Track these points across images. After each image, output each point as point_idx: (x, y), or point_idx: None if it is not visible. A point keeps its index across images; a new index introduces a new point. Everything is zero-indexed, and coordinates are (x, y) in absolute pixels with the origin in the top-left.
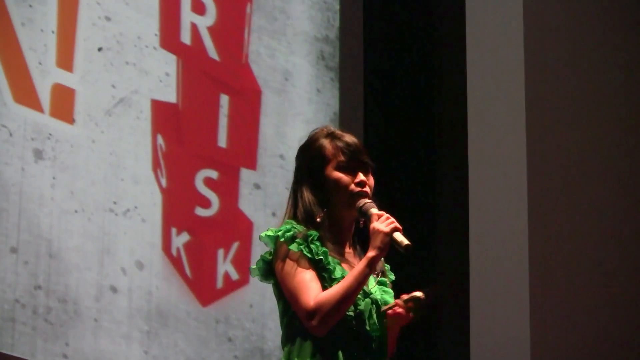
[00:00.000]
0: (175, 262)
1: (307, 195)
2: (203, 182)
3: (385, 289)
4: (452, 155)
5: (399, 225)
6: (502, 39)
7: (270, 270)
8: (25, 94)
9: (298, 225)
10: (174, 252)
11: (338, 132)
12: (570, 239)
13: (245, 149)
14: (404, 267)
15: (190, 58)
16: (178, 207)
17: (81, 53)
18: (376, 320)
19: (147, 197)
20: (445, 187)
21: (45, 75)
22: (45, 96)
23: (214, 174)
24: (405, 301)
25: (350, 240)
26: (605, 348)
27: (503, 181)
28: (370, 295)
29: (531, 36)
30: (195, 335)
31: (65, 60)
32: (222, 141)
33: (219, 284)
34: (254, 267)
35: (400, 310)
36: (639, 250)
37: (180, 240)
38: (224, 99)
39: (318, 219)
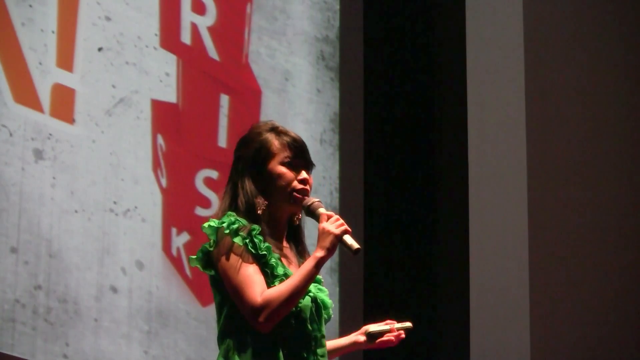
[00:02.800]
0: (175, 262)
1: (249, 186)
2: (203, 182)
3: (320, 287)
4: (452, 155)
5: (348, 228)
6: (502, 39)
7: (209, 261)
8: (25, 94)
9: (241, 219)
10: (174, 252)
11: (282, 127)
12: (570, 239)
13: None
14: (404, 267)
15: (190, 58)
16: (178, 207)
17: (81, 53)
18: (317, 319)
19: (147, 197)
20: (445, 187)
21: (45, 75)
22: (45, 96)
23: (214, 174)
24: (398, 329)
25: (286, 236)
26: (605, 348)
27: (503, 181)
28: (309, 294)
29: (531, 36)
30: (195, 335)
31: (65, 60)
32: (222, 141)
33: None
34: (194, 257)
35: (393, 338)
36: (639, 250)
37: (180, 240)
38: (224, 99)
39: (259, 211)
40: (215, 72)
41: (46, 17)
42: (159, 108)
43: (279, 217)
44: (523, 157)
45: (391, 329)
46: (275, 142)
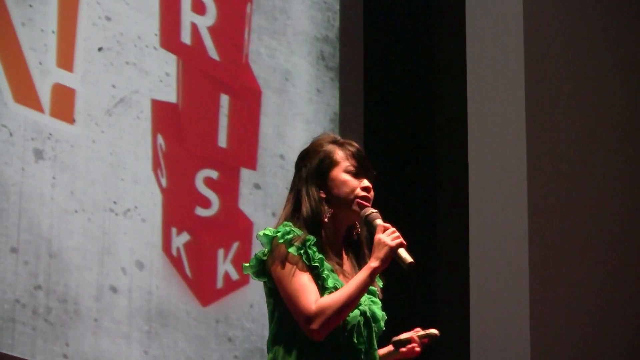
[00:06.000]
0: (175, 262)
1: (314, 193)
2: (203, 182)
3: (374, 298)
4: (452, 155)
5: (404, 241)
6: (502, 39)
7: (263, 270)
8: (25, 94)
9: (295, 229)
10: (174, 252)
11: (342, 139)
12: (570, 239)
13: (245, 149)
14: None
15: (190, 58)
16: (178, 207)
17: (81, 53)
18: (364, 334)
19: (147, 197)
20: (445, 187)
21: (46, 75)
22: (45, 96)
23: (214, 174)
24: (421, 337)
25: (344, 248)
26: (604, 348)
27: (503, 181)
28: (359, 307)
29: (531, 36)
30: (195, 335)
31: (66, 60)
32: (222, 141)
33: (219, 284)
34: (247, 265)
35: (417, 348)
36: (639, 250)
37: (180, 240)
38: (224, 99)
39: (325, 219)
40: (215, 72)
41: (46, 17)
42: (159, 108)
43: (339, 228)
44: (523, 157)
45: (411, 337)
46: (338, 151)
